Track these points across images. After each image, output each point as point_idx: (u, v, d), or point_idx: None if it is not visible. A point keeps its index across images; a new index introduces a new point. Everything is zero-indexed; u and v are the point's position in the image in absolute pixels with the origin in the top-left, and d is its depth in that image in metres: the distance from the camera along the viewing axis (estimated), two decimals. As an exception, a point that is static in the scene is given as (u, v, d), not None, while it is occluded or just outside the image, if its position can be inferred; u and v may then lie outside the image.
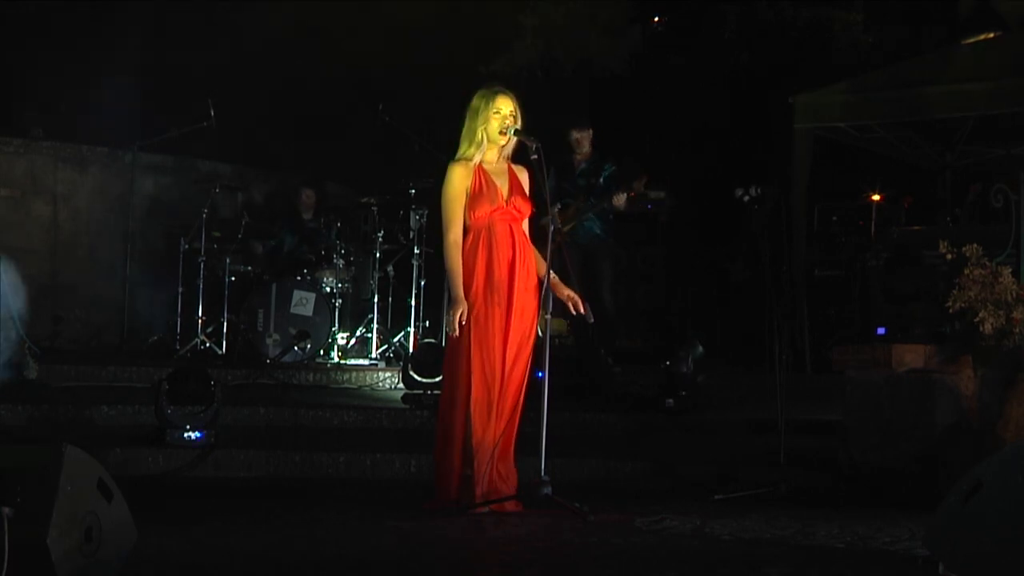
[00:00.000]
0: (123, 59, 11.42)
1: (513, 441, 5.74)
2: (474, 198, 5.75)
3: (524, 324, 5.74)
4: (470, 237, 5.76)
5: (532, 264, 5.81)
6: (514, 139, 5.80)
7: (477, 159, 5.80)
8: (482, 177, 5.78)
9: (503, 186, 5.81)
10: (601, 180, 9.13)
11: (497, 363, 5.67)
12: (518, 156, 5.90)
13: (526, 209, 5.86)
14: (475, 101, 5.82)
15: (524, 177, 5.92)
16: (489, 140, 5.79)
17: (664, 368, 8.38)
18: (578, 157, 9.31)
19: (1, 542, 3.67)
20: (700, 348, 8.49)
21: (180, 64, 11.49)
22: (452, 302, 5.69)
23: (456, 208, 5.75)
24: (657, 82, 13.51)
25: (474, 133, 5.78)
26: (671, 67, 13.72)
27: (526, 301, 5.75)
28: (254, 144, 11.62)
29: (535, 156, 5.68)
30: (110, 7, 11.80)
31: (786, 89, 10.24)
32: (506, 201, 5.78)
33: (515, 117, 5.79)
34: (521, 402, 5.72)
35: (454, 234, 5.74)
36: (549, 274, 5.74)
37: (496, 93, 5.82)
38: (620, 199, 8.95)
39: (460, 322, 5.63)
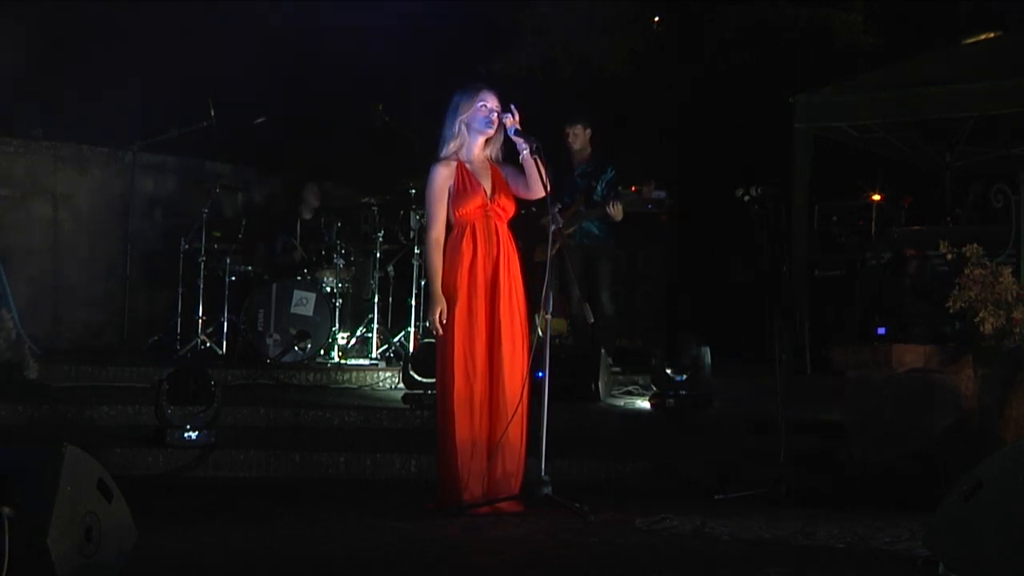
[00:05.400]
0: (123, 59, 11.40)
1: (522, 441, 5.74)
2: (458, 196, 5.76)
3: (515, 322, 5.74)
4: (454, 234, 5.78)
5: (516, 263, 5.82)
6: (500, 138, 5.81)
7: (461, 156, 5.81)
8: (465, 175, 5.79)
9: (487, 184, 5.81)
10: (600, 186, 9.08)
11: (480, 360, 5.68)
12: (508, 157, 5.90)
13: (510, 208, 5.87)
14: (456, 99, 5.83)
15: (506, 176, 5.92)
16: (479, 133, 5.79)
17: (663, 368, 8.38)
18: (576, 155, 9.26)
19: (1, 542, 3.67)
20: (700, 348, 8.48)
21: (180, 64, 11.47)
22: (431, 301, 5.73)
23: (438, 207, 5.77)
24: (657, 82, 13.49)
25: (456, 130, 5.79)
26: (671, 67, 13.69)
27: (514, 299, 5.76)
28: (254, 144, 11.61)
29: (536, 156, 5.68)
30: (110, 7, 11.79)
31: (786, 89, 10.22)
32: (490, 199, 5.79)
33: (499, 113, 5.79)
34: (525, 401, 5.70)
35: (435, 232, 5.76)
36: (549, 274, 5.74)
37: (479, 88, 5.85)
38: (617, 210, 8.88)
39: (440, 320, 5.66)
